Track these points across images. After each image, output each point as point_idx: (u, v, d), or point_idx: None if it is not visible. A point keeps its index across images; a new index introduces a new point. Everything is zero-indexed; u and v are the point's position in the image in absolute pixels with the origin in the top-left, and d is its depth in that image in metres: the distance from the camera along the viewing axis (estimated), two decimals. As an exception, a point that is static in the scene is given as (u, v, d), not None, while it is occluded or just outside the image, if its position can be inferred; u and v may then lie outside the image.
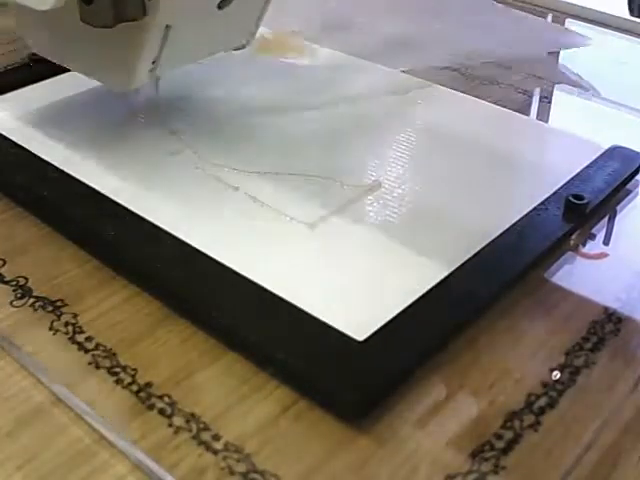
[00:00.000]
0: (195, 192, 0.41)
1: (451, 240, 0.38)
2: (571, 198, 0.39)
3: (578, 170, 0.42)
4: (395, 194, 0.42)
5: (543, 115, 0.52)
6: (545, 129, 0.49)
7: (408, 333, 0.32)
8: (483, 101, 0.51)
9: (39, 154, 0.43)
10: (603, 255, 0.39)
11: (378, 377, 0.30)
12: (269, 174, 0.42)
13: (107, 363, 0.32)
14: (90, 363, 0.32)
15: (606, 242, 0.40)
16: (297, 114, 0.49)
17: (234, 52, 0.48)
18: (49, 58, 0.46)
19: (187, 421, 0.29)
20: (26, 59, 0.54)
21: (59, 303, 0.35)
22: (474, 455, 0.28)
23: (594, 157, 0.44)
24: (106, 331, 0.33)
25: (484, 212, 0.40)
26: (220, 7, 0.42)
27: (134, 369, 0.32)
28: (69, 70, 0.53)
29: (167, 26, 0.41)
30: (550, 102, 0.54)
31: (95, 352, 0.32)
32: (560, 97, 0.54)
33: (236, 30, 0.46)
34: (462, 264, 0.36)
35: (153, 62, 0.42)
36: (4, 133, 0.45)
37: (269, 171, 0.43)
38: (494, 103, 0.51)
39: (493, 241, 0.37)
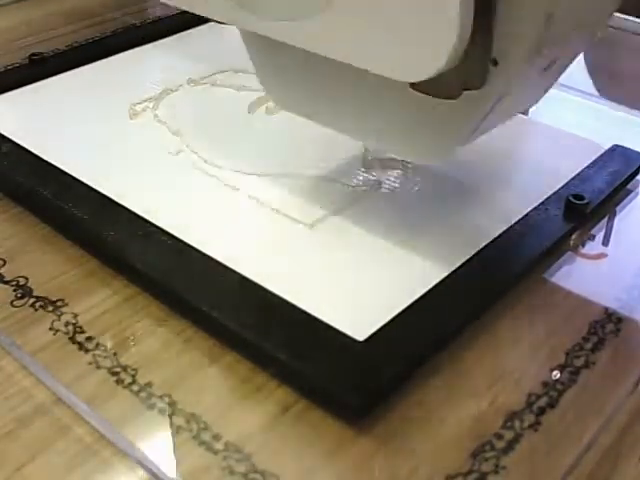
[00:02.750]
0: (195, 192, 0.41)
1: (451, 240, 0.38)
2: (571, 198, 0.39)
3: (578, 170, 0.43)
4: (395, 194, 0.42)
5: (543, 115, 0.52)
6: (545, 129, 0.49)
7: (408, 333, 0.32)
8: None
9: (39, 154, 0.43)
10: (602, 256, 0.39)
11: (378, 377, 0.30)
12: (269, 174, 0.42)
13: (107, 363, 0.32)
14: (90, 363, 0.32)
15: (606, 242, 0.40)
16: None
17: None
18: (325, 125, 0.40)
19: (187, 421, 0.29)
20: (26, 59, 0.54)
21: (59, 303, 0.35)
22: (474, 455, 0.28)
23: (594, 157, 0.44)
24: (106, 331, 0.33)
25: (484, 212, 0.40)
26: (546, 69, 0.34)
27: (134, 369, 0.32)
28: (68, 69, 0.54)
29: (501, 95, 0.32)
30: (550, 102, 0.54)
31: (95, 352, 0.32)
32: (560, 97, 0.54)
33: (539, 91, 0.38)
34: (462, 264, 0.36)
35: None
36: (4, 133, 0.45)
37: (269, 171, 0.43)
38: (494, 103, 0.51)
39: (493, 241, 0.37)
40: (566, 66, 0.36)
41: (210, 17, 0.37)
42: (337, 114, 0.38)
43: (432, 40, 0.28)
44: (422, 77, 0.29)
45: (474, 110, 0.33)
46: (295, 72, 0.38)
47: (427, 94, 0.32)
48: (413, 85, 0.31)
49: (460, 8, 0.27)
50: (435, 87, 0.31)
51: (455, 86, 0.31)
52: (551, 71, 0.35)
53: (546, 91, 0.38)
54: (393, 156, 0.44)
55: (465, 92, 0.31)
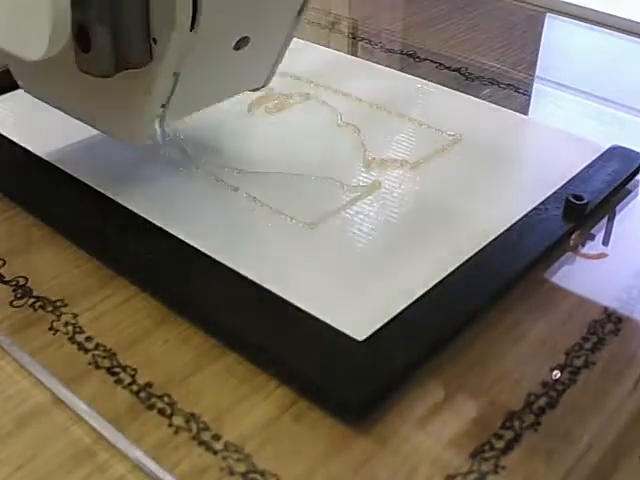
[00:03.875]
0: (195, 192, 0.41)
1: (451, 240, 0.38)
2: (571, 198, 0.39)
3: (578, 170, 0.43)
4: (395, 194, 0.42)
5: (543, 115, 0.52)
6: (545, 129, 0.49)
7: (408, 333, 0.32)
8: (483, 101, 0.51)
9: (39, 154, 0.43)
10: (602, 255, 0.39)
11: (378, 377, 0.30)
12: (269, 174, 0.42)
13: (107, 363, 0.32)
14: (90, 363, 0.32)
15: (605, 242, 0.40)
16: (297, 114, 0.49)
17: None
18: (48, 104, 0.42)
19: (187, 421, 0.29)
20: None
21: (59, 303, 0.35)
22: (474, 455, 0.28)
23: (594, 157, 0.44)
24: (106, 331, 0.33)
25: (484, 212, 0.40)
26: (237, 48, 0.38)
27: (134, 369, 0.32)
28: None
29: (175, 73, 0.36)
30: (549, 102, 0.54)
31: (95, 352, 0.32)
32: (560, 97, 0.54)
33: (253, 71, 0.41)
34: (462, 264, 0.36)
35: (162, 107, 0.37)
36: (4, 133, 0.45)
37: (269, 171, 0.43)
38: (494, 103, 0.51)
39: (493, 241, 0.37)
40: (280, 46, 0.40)
41: None
42: (66, 98, 0.41)
43: (33, 26, 0.31)
44: (33, 58, 0.32)
45: (150, 88, 0.36)
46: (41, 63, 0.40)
47: (87, 73, 0.34)
48: (80, 67, 0.34)
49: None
50: (91, 66, 0.34)
51: (109, 65, 0.34)
52: (249, 51, 0.38)
53: (270, 74, 0.42)
54: (393, 156, 0.45)
55: (132, 70, 0.34)
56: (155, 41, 0.34)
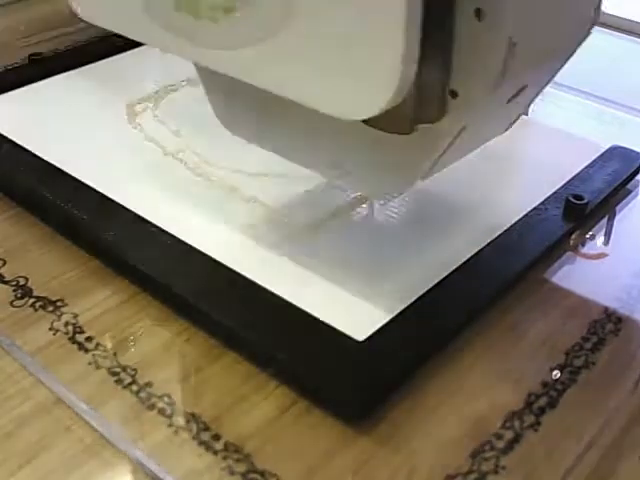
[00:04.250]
0: (195, 192, 0.41)
1: (451, 240, 0.38)
2: (571, 198, 0.39)
3: (578, 170, 0.43)
4: (395, 194, 0.42)
5: (543, 115, 0.52)
6: (545, 129, 0.49)
7: (408, 333, 0.32)
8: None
9: (39, 154, 0.43)
10: (603, 255, 0.39)
11: (378, 377, 0.30)
12: (269, 175, 0.42)
13: (107, 363, 0.32)
14: (90, 363, 0.32)
15: (606, 242, 0.40)
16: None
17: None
18: (273, 152, 0.37)
19: (187, 421, 0.29)
20: (26, 59, 0.54)
21: (59, 303, 0.35)
22: (474, 455, 0.28)
23: (594, 157, 0.44)
24: (106, 331, 0.33)
25: (484, 212, 0.40)
26: (510, 100, 0.33)
27: (134, 369, 0.32)
28: (68, 69, 0.54)
29: (463, 127, 0.31)
30: (549, 102, 0.54)
31: (95, 352, 0.32)
32: (560, 97, 0.54)
33: (504, 120, 0.36)
34: (462, 264, 0.36)
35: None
36: (4, 133, 0.45)
37: (269, 171, 0.43)
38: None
39: (493, 241, 0.37)
40: (534, 96, 0.35)
41: (143, 42, 0.34)
42: (287, 142, 0.36)
43: (373, 81, 0.26)
44: (360, 117, 0.27)
45: (433, 144, 0.31)
46: (245, 97, 0.35)
47: (377, 128, 0.30)
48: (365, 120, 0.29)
49: (403, 52, 0.25)
50: (386, 121, 0.29)
51: (408, 120, 0.29)
52: (516, 101, 0.33)
53: (512, 123, 0.36)
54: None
55: (421, 126, 0.30)
56: (454, 94, 0.29)
